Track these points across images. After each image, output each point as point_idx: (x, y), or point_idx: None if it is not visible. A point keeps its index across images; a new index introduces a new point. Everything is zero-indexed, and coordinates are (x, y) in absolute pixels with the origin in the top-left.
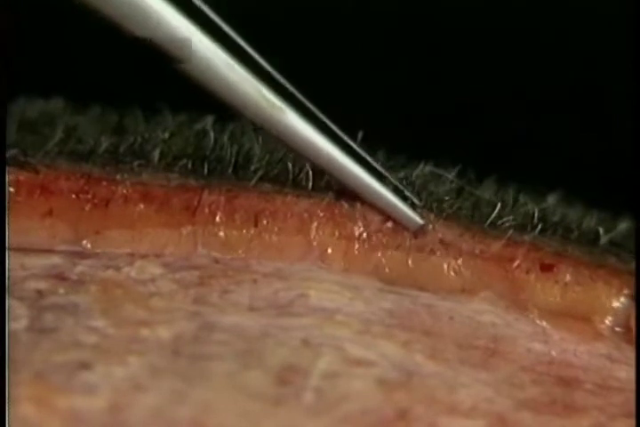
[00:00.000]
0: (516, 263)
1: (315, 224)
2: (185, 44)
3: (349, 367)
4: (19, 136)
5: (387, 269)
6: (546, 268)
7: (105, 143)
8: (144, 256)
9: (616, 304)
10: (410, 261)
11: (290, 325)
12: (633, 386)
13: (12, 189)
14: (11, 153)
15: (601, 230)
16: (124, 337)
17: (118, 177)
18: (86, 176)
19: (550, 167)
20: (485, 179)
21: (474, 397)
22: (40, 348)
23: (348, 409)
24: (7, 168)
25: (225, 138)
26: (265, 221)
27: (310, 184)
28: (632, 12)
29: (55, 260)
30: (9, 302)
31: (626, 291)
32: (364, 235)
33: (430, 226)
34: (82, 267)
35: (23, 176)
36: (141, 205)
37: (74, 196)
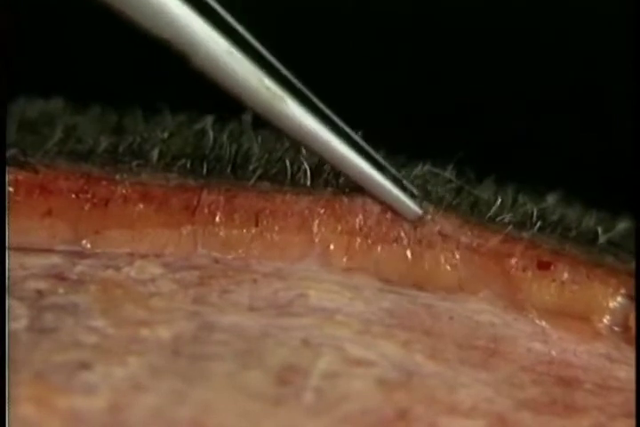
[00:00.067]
0: (513, 260)
1: (316, 221)
2: (186, 32)
3: (349, 367)
4: (18, 136)
5: (386, 264)
6: (543, 266)
7: (104, 143)
8: (144, 256)
9: (613, 304)
10: (409, 254)
11: (290, 325)
12: (632, 386)
13: (11, 189)
14: (10, 153)
15: (599, 230)
16: (123, 337)
17: (117, 177)
18: (86, 176)
19: (550, 167)
20: (485, 179)
21: (474, 397)
22: (40, 348)
23: (348, 409)
24: (7, 168)
25: (224, 138)
26: (265, 221)
27: (309, 182)
28: (632, 12)
29: (55, 260)
30: (9, 302)
31: (623, 290)
32: (365, 228)
33: (429, 217)
34: (81, 267)
35: (22, 176)
36: (141, 205)
37: (73, 195)
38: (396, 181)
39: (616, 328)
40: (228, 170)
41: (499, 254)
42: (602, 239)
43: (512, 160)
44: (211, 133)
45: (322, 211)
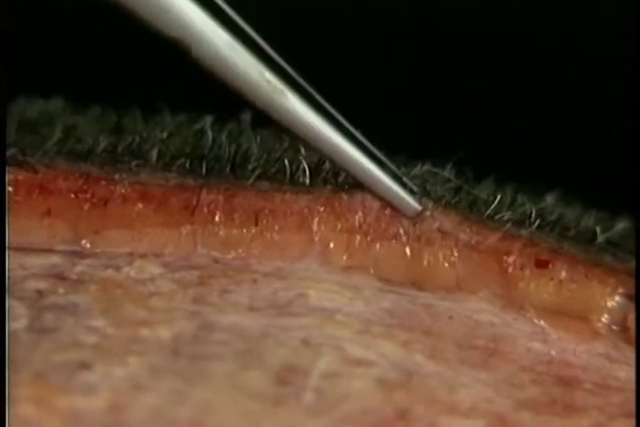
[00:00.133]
0: (511, 258)
1: (316, 220)
2: (187, 25)
3: (349, 367)
4: (18, 136)
5: (385, 261)
6: (541, 264)
7: (103, 143)
8: (143, 256)
9: (612, 303)
10: (408, 251)
11: (290, 325)
12: (632, 386)
13: (10, 189)
14: (10, 152)
15: (598, 229)
16: (123, 337)
17: (117, 177)
18: (85, 176)
19: (549, 167)
20: (484, 178)
21: (474, 397)
22: (40, 348)
23: (348, 409)
24: (7, 168)
25: (223, 137)
26: (265, 220)
27: (308, 180)
28: (632, 12)
29: (55, 259)
30: (9, 302)
31: (621, 290)
32: (365, 225)
33: (428, 213)
34: (81, 267)
35: (22, 176)
36: (140, 205)
37: (73, 195)
38: (396, 178)
39: (614, 327)
40: (228, 169)
41: (497, 252)
42: (600, 239)
43: (511, 160)
44: (210, 133)
45: (321, 209)
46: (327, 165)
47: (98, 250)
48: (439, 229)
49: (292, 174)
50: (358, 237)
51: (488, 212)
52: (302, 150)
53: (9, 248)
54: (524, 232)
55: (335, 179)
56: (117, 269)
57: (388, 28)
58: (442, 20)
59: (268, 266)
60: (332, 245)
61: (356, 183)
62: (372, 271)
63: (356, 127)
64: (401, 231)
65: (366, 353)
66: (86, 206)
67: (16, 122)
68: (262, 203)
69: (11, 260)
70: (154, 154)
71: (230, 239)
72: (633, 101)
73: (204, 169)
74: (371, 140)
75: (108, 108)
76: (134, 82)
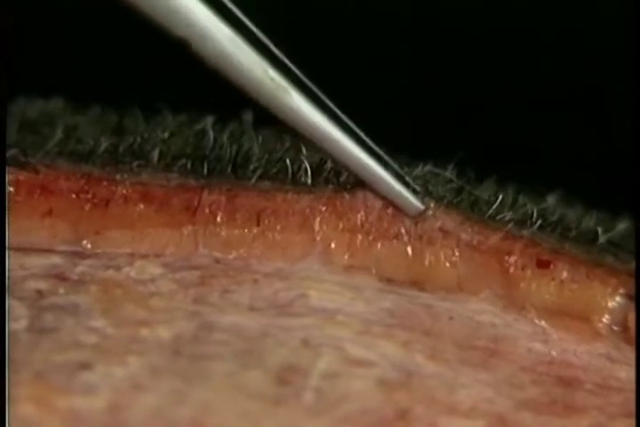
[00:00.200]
0: (512, 258)
1: (318, 219)
2: (191, 22)
3: (349, 367)
4: (19, 136)
5: (387, 261)
6: (542, 264)
7: (105, 143)
8: (144, 256)
9: (612, 303)
10: (409, 251)
11: (290, 325)
12: (633, 386)
13: (11, 189)
14: (11, 153)
15: (599, 230)
16: (123, 337)
17: (118, 177)
18: (86, 176)
19: (550, 168)
20: (485, 179)
21: (474, 397)
22: (40, 348)
23: (348, 409)
24: (7, 168)
25: (224, 138)
26: (267, 220)
27: (310, 180)
28: (632, 12)
29: (55, 260)
30: (9, 302)
31: (622, 290)
32: (367, 224)
33: (430, 212)
34: (82, 267)
35: (23, 176)
36: (141, 205)
37: (74, 196)
38: (398, 177)
39: (615, 328)
40: (229, 170)
41: (498, 252)
42: (602, 239)
43: (512, 160)
44: (211, 134)
45: (323, 209)
46: (329, 165)
47: (99, 250)
48: (441, 229)
49: (293, 174)
50: (360, 237)
51: (490, 212)
52: (304, 150)
53: (9, 248)
54: (525, 232)
55: (337, 178)
56: (118, 269)
57: (388, 29)
58: (442, 20)
59: (268, 266)
60: (333, 244)
61: (357, 182)
62: (373, 271)
63: (358, 127)
64: (402, 231)
65: (366, 353)
66: (87, 207)
67: (17, 122)
68: (264, 203)
69: (11, 260)
70: (155, 154)
71: (232, 239)
72: (633, 101)
73: (205, 169)
74: (372, 141)
75: (108, 109)
76: (135, 82)
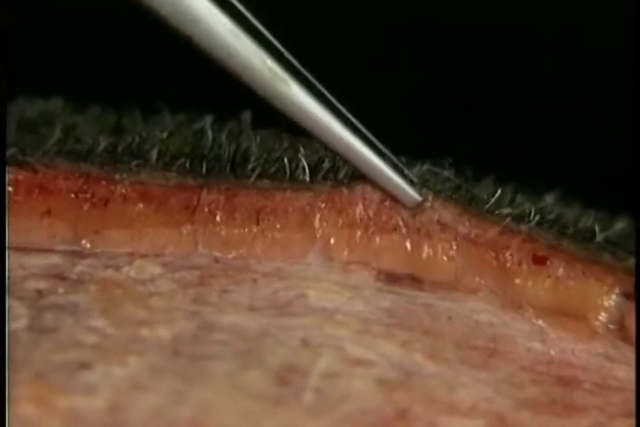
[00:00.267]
0: (509, 252)
1: (317, 216)
2: (190, 12)
3: (349, 367)
4: (18, 135)
5: (385, 254)
6: (539, 260)
7: (103, 143)
8: (143, 256)
9: (608, 302)
10: (407, 244)
11: (289, 325)
12: (632, 386)
13: (10, 189)
14: (10, 152)
15: (597, 228)
16: (123, 337)
17: (117, 176)
18: (85, 176)
19: (549, 167)
20: (484, 178)
21: (473, 396)
22: (40, 348)
23: (348, 409)
24: (7, 168)
25: (223, 137)
26: (266, 219)
27: (308, 178)
28: (632, 12)
29: (55, 259)
30: (9, 302)
31: (619, 288)
32: (365, 218)
33: (428, 204)
34: (81, 266)
35: (22, 175)
36: (140, 205)
37: (73, 195)
38: (396, 167)
39: (611, 326)
40: (228, 169)
41: (495, 246)
42: (599, 238)
43: (511, 160)
44: (209, 133)
45: (322, 205)
46: (327, 164)
47: (98, 250)
48: (439, 222)
49: (291, 173)
50: (359, 232)
51: (487, 206)
52: (302, 149)
53: (9, 248)
54: (523, 228)
55: (335, 175)
56: (117, 269)
57: (387, 29)
58: (442, 19)
59: (267, 266)
60: (333, 240)
61: (355, 176)
62: (373, 265)
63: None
64: (401, 223)
65: (366, 353)
66: (86, 206)
67: (16, 122)
68: (263, 201)
69: (11, 260)
70: (154, 154)
71: (231, 239)
72: (633, 101)
73: (204, 169)
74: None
75: (107, 108)
76: (134, 82)
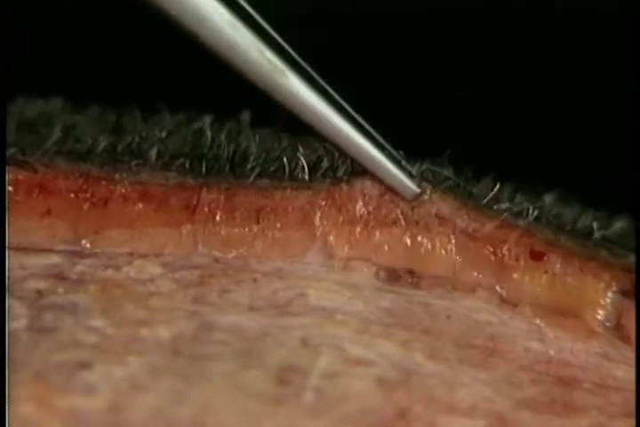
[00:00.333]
0: (506, 247)
1: (318, 214)
2: (187, 3)
3: (349, 367)
4: (17, 135)
5: (385, 249)
6: (536, 256)
7: (103, 143)
8: (143, 256)
9: (605, 299)
10: (406, 238)
11: (289, 324)
12: (631, 385)
13: (10, 189)
14: (9, 152)
15: (595, 226)
16: (123, 337)
17: (117, 176)
18: (85, 175)
19: (549, 167)
20: (483, 177)
21: (473, 396)
22: (40, 348)
23: (348, 409)
24: (7, 168)
25: (222, 137)
26: (266, 218)
27: (307, 176)
28: (632, 12)
29: (54, 259)
30: (9, 302)
31: (616, 285)
32: (365, 212)
33: (426, 197)
34: (81, 266)
35: (22, 175)
36: (140, 205)
37: (72, 195)
38: (394, 159)
39: (608, 324)
40: (227, 168)
41: (493, 240)
42: (597, 235)
43: (511, 159)
44: (209, 133)
45: (322, 203)
46: (325, 162)
47: (98, 250)
48: (437, 215)
49: (291, 172)
50: (359, 228)
51: (486, 200)
52: (300, 149)
53: (9, 248)
54: (521, 222)
55: (334, 173)
56: (117, 268)
57: (388, 28)
58: (442, 19)
59: (267, 265)
60: (333, 237)
61: (354, 173)
62: (372, 261)
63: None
64: (400, 217)
65: (366, 352)
66: (86, 206)
67: (15, 121)
68: (263, 201)
69: (11, 260)
70: (153, 153)
71: (231, 238)
72: (633, 101)
73: (203, 168)
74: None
75: (107, 108)
76: (134, 82)
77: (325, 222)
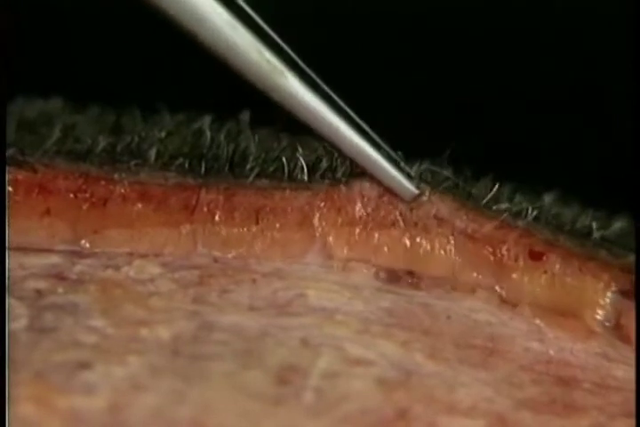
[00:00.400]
0: (505, 247)
1: (317, 215)
2: (187, 3)
3: (349, 367)
4: (17, 135)
5: (384, 250)
6: (535, 256)
7: (102, 143)
8: (143, 256)
9: (605, 299)
10: (406, 239)
11: (289, 324)
12: (631, 385)
13: (10, 189)
14: (9, 152)
15: (594, 226)
16: (123, 337)
17: (116, 176)
18: (84, 175)
19: (548, 167)
20: (482, 177)
21: (473, 396)
22: (40, 348)
23: (348, 409)
24: (7, 168)
25: (221, 137)
26: (266, 218)
27: (306, 177)
28: (632, 12)
29: (54, 259)
30: (9, 302)
31: (615, 285)
32: (364, 214)
33: (425, 198)
34: (81, 266)
35: (21, 175)
36: (139, 205)
37: (72, 195)
38: (392, 161)
39: (607, 324)
40: (226, 169)
41: (492, 241)
42: (596, 235)
43: (510, 159)
44: (208, 133)
45: (321, 204)
46: (325, 162)
47: (97, 250)
48: (436, 216)
49: (290, 172)
50: (358, 229)
51: (485, 201)
52: (300, 149)
53: (9, 248)
54: (520, 223)
55: (333, 174)
56: (117, 268)
57: (387, 28)
58: (442, 19)
59: (267, 266)
60: (332, 238)
61: (353, 174)
62: (372, 262)
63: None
64: (399, 218)
65: (365, 353)
66: (85, 206)
67: (15, 122)
68: (262, 201)
69: (10, 260)
70: (153, 153)
71: (231, 238)
72: (633, 101)
73: (203, 168)
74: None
75: (106, 108)
76: (133, 81)
77: (324, 223)
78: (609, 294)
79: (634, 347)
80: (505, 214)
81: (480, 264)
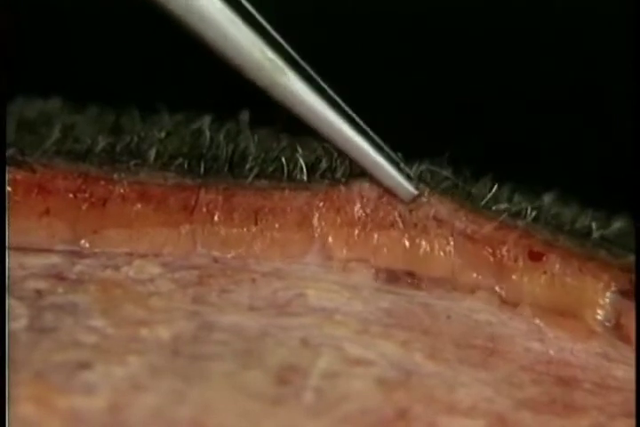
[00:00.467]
0: (505, 248)
1: (316, 215)
2: (189, 1)
3: (349, 367)
4: (17, 135)
5: (384, 251)
6: (535, 256)
7: (102, 143)
8: (142, 256)
9: (604, 299)
10: (405, 240)
11: (289, 324)
12: (631, 385)
13: (9, 189)
14: (9, 152)
15: (594, 226)
16: (123, 337)
17: (115, 176)
18: (83, 175)
19: (548, 167)
20: (482, 177)
21: (473, 396)
22: (40, 348)
23: (348, 409)
24: (7, 168)
25: (221, 137)
26: (265, 219)
27: (305, 177)
28: (632, 12)
29: (54, 259)
30: (9, 302)
31: (615, 285)
32: (363, 215)
33: (424, 199)
34: (80, 266)
35: (21, 175)
36: (139, 205)
37: (71, 195)
38: (392, 161)
39: (607, 324)
40: (226, 169)
41: (492, 242)
42: (595, 235)
43: (510, 159)
44: (208, 133)
45: (321, 204)
46: (324, 163)
47: (97, 250)
48: (435, 217)
49: (289, 172)
50: (357, 230)
51: (484, 202)
52: (299, 149)
53: (9, 248)
54: (519, 223)
55: (332, 174)
56: (116, 268)
57: (387, 28)
58: (442, 19)
59: (266, 266)
60: (332, 239)
61: (352, 174)
62: (371, 262)
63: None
64: (398, 219)
65: (365, 353)
66: (85, 206)
67: (15, 122)
68: (261, 201)
69: (10, 260)
70: (152, 154)
71: (230, 238)
72: (633, 101)
73: (202, 168)
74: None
75: (106, 108)
76: (133, 82)
77: (324, 224)
78: (609, 293)
79: (634, 347)
80: (504, 215)
81: (480, 265)
